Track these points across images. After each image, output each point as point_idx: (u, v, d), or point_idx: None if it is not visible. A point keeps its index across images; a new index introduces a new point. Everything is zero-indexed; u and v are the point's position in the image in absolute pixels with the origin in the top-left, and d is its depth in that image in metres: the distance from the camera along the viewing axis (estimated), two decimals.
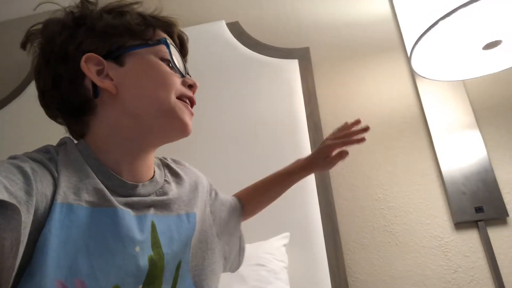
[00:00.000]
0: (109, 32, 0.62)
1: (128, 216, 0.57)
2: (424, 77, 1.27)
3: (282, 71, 1.51)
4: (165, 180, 0.69)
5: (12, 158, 0.53)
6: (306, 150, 1.37)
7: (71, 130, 0.65)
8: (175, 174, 0.73)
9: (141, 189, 0.63)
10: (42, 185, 0.51)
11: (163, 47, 0.64)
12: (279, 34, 1.65)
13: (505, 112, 1.34)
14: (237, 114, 1.49)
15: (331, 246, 1.24)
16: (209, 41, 1.64)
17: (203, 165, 1.37)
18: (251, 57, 1.58)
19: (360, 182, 1.36)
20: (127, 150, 0.62)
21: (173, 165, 0.75)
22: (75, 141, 0.63)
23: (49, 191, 0.51)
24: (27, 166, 0.50)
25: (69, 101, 0.62)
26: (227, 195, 0.88)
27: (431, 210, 1.28)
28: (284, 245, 1.19)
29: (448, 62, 1.24)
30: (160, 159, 0.74)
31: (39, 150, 0.58)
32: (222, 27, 1.66)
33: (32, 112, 1.64)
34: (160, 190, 0.66)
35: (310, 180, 1.33)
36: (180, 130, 0.64)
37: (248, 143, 1.43)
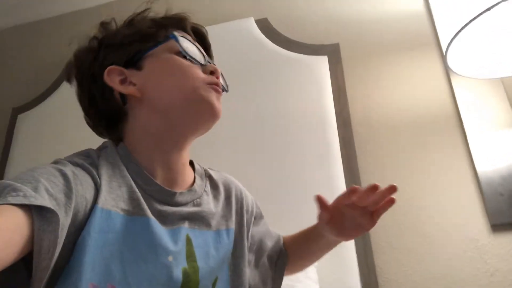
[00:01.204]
0: (124, 43, 0.66)
1: (160, 226, 0.59)
2: (460, 75, 1.23)
3: (311, 68, 1.50)
4: (205, 191, 0.70)
5: (54, 162, 0.56)
6: (335, 146, 1.36)
7: (114, 140, 0.69)
8: (215, 187, 0.74)
9: (178, 197, 0.64)
10: (82, 188, 0.53)
11: (174, 42, 0.66)
12: (308, 31, 1.63)
13: None
14: (266, 110, 1.48)
15: (361, 246, 1.22)
16: (238, 38, 1.64)
17: (233, 163, 1.38)
18: (280, 53, 1.57)
19: (392, 181, 1.32)
20: (160, 147, 0.65)
21: (214, 176, 0.76)
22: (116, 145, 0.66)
23: (89, 194, 0.53)
24: (68, 170, 0.53)
25: (104, 114, 0.67)
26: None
27: (467, 211, 1.24)
28: None
29: (486, 59, 1.19)
30: (204, 170, 0.76)
31: (79, 154, 0.61)
32: (251, 24, 1.65)
33: (65, 109, 1.69)
34: (197, 200, 0.67)
35: (339, 179, 1.31)
36: (209, 113, 0.65)
37: (278, 139, 1.43)
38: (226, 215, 0.71)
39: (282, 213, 1.29)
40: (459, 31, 1.05)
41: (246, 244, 0.72)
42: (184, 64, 0.65)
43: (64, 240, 0.47)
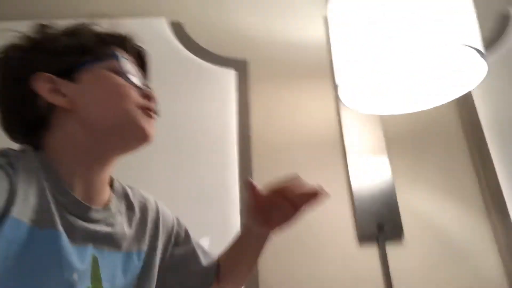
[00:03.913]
0: (61, 51, 0.65)
1: (68, 242, 0.57)
2: (347, 107, 1.38)
3: (219, 79, 1.53)
4: (119, 211, 0.69)
5: None
6: (232, 160, 1.41)
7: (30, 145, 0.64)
8: (130, 207, 0.73)
9: (93, 213, 0.62)
10: None
11: (115, 61, 0.66)
12: (219, 41, 1.65)
13: (412, 146, 1.53)
14: (169, 114, 1.45)
15: None
16: (147, 37, 1.58)
17: (127, 170, 1.33)
18: (188, 58, 1.57)
19: None
20: (83, 162, 0.63)
21: (131, 195, 0.74)
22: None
23: (1, 199, 0.50)
24: None
25: (24, 120, 0.64)
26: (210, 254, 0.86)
27: (339, 224, 1.40)
28: None
29: (370, 96, 1.37)
30: (123, 188, 0.74)
31: None
32: (162, 24, 1.62)
33: None
34: (110, 220, 0.66)
35: (234, 188, 1.37)
36: (138, 136, 0.65)
37: (174, 147, 1.42)
38: (139, 237, 0.71)
39: None
40: (349, 66, 1.19)
41: (156, 268, 0.73)
42: (121, 85, 0.65)
43: None
